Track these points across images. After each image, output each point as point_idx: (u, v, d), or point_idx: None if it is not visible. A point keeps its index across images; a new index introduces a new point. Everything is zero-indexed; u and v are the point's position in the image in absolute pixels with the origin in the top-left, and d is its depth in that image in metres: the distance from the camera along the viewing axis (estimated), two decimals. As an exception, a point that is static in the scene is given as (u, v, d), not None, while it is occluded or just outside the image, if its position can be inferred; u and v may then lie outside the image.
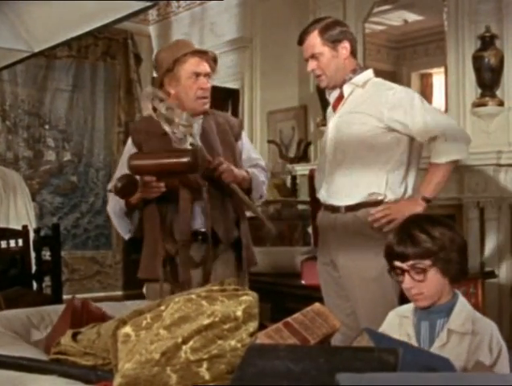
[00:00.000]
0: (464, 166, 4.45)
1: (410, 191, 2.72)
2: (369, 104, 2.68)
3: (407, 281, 1.93)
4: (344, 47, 2.74)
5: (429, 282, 1.92)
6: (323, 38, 2.72)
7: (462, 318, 1.93)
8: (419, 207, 2.58)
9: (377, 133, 2.65)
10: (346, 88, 2.77)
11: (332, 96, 2.86)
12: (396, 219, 2.52)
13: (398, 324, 2.03)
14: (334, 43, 2.72)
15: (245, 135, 3.05)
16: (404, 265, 1.93)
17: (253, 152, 3.09)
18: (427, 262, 1.91)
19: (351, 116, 2.73)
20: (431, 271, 1.92)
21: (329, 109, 2.94)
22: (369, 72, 2.81)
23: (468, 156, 2.70)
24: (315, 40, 2.73)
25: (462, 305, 1.97)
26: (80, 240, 7.18)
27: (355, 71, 2.77)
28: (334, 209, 2.74)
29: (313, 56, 2.75)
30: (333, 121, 2.81)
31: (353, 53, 2.79)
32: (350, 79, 2.76)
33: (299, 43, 2.80)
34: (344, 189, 2.71)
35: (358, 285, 2.68)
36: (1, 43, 2.57)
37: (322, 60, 2.73)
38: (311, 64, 2.76)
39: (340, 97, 2.80)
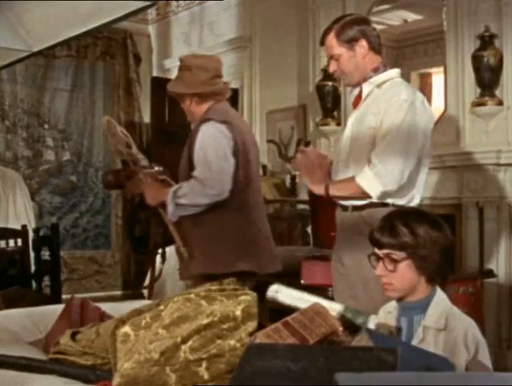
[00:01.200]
0: (463, 166, 4.46)
1: (417, 195, 2.71)
2: (378, 107, 2.65)
3: (379, 269, 1.97)
4: (362, 46, 2.69)
5: (400, 274, 1.94)
6: (339, 39, 2.70)
7: (437, 314, 1.93)
8: (319, 189, 2.69)
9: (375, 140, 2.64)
10: (365, 88, 2.74)
11: (352, 95, 2.85)
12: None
13: (384, 320, 2.04)
14: (350, 42, 2.69)
15: (199, 136, 2.98)
16: (380, 253, 1.97)
17: (197, 157, 2.96)
18: (402, 254, 1.93)
19: (364, 117, 2.70)
20: (404, 264, 1.93)
21: None
22: (392, 72, 2.74)
23: (378, 199, 2.62)
24: (332, 42, 2.72)
25: (439, 301, 1.97)
26: (79, 239, 7.18)
27: (377, 70, 2.72)
28: (344, 208, 2.75)
29: (332, 57, 2.75)
30: (350, 119, 2.79)
31: (375, 50, 2.73)
32: (370, 78, 2.72)
33: (321, 43, 2.81)
34: None
35: (360, 284, 2.69)
36: (0, 42, 2.57)
37: (341, 61, 2.72)
38: (332, 65, 2.76)
39: (359, 96, 2.78)
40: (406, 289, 1.97)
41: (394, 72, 2.75)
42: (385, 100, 2.64)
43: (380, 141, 2.58)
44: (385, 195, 2.58)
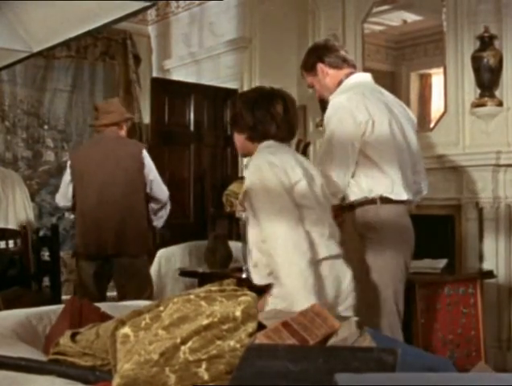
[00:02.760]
0: (462, 167, 4.46)
1: (396, 184, 2.77)
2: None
3: None
4: (320, 68, 2.99)
5: None
6: (306, 71, 3.07)
7: None
8: None
9: None
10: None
11: None
12: None
13: None
14: (312, 70, 3.02)
15: None
16: None
17: None
18: None
19: None
20: None
21: None
22: (343, 84, 2.95)
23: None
24: (303, 74, 3.11)
25: None
26: (79, 240, 7.16)
27: (340, 83, 2.96)
28: (343, 208, 2.87)
29: (311, 87, 3.12)
30: None
31: (338, 67, 2.97)
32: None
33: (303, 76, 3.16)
34: (348, 188, 2.84)
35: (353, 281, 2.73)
36: (-1, 43, 2.57)
37: (316, 87, 3.08)
38: (316, 92, 3.14)
39: None
40: None
41: (346, 83, 2.96)
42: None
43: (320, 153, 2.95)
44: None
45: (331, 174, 2.74)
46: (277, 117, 2.48)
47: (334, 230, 2.50)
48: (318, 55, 3.02)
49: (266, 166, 2.37)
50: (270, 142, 2.49)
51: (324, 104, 5.34)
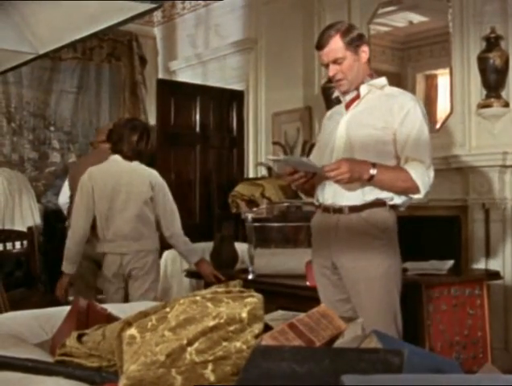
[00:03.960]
0: (469, 168, 4.45)
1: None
2: (381, 109, 2.67)
3: None
4: (364, 51, 2.72)
5: None
6: (345, 42, 2.69)
7: None
8: (365, 176, 2.53)
9: (385, 138, 2.64)
10: (363, 89, 2.74)
11: (346, 98, 2.82)
12: (344, 177, 2.50)
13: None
14: (356, 47, 2.70)
15: None
16: None
17: None
18: None
19: (363, 117, 2.70)
20: None
21: (335, 109, 2.94)
22: (384, 79, 2.80)
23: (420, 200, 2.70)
24: (337, 44, 2.69)
25: None
26: (85, 241, 7.18)
27: (372, 76, 2.78)
28: (335, 210, 2.71)
29: (335, 61, 2.71)
30: (344, 119, 2.77)
31: (368, 58, 2.79)
32: (367, 81, 2.76)
33: (319, 48, 2.74)
34: (350, 189, 2.66)
35: (363, 285, 2.68)
36: (6, 44, 2.58)
37: (345, 64, 2.69)
38: (333, 69, 2.72)
39: (357, 97, 2.78)
40: None
41: (385, 79, 2.81)
42: (396, 102, 2.68)
43: (416, 143, 2.61)
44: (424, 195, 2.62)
45: (430, 165, 2.62)
46: (130, 144, 3.80)
47: (124, 233, 3.74)
48: (363, 36, 2.82)
49: (85, 176, 3.80)
50: (116, 157, 3.83)
51: (330, 104, 5.35)
